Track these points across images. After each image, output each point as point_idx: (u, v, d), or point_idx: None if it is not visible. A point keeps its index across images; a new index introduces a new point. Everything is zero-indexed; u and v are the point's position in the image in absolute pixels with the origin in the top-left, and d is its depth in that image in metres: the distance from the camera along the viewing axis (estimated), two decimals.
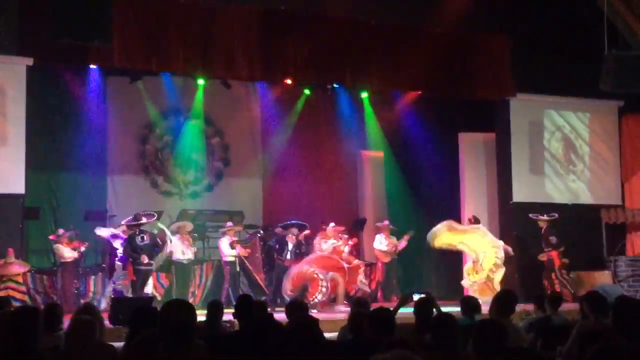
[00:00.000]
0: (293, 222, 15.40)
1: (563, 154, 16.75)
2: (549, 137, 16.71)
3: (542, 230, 15.54)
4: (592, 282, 15.33)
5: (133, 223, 13.64)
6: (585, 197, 16.86)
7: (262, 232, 16.16)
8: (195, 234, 15.54)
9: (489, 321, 5.38)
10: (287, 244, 15.01)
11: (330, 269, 14.59)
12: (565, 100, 16.73)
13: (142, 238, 13.58)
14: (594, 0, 15.32)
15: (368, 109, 17.51)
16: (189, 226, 15.22)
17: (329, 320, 10.30)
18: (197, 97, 16.68)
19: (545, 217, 15.56)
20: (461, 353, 5.13)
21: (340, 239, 15.47)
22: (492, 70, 15.83)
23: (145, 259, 13.43)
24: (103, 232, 14.36)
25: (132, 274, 13.36)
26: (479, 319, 7.02)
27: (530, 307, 9.73)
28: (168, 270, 14.87)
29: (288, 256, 14.97)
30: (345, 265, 14.86)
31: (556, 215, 15.70)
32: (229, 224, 15.39)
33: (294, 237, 15.06)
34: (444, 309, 7.07)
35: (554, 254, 15.34)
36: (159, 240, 14.05)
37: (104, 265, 14.74)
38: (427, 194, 17.62)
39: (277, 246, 15.08)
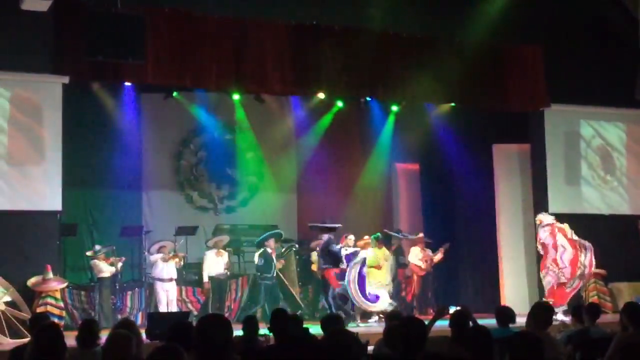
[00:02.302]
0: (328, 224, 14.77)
1: (599, 164, 16.59)
2: (585, 148, 16.56)
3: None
4: (631, 293, 15.18)
5: None
6: (623, 208, 16.68)
7: (297, 246, 16.19)
8: (230, 249, 15.60)
9: (525, 334, 5.33)
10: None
11: None
12: (600, 110, 16.57)
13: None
14: (628, 9, 15.21)
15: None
16: (225, 239, 15.31)
17: (364, 334, 10.24)
18: (237, 113, 16.84)
19: (410, 237, 15.33)
20: None
21: None
22: (525, 81, 15.76)
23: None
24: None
25: None
26: (514, 330, 6.99)
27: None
28: (204, 285, 14.95)
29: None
30: None
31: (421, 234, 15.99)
32: None
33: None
34: (480, 322, 7.02)
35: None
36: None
37: None
38: (462, 206, 17.54)
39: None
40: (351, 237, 14.42)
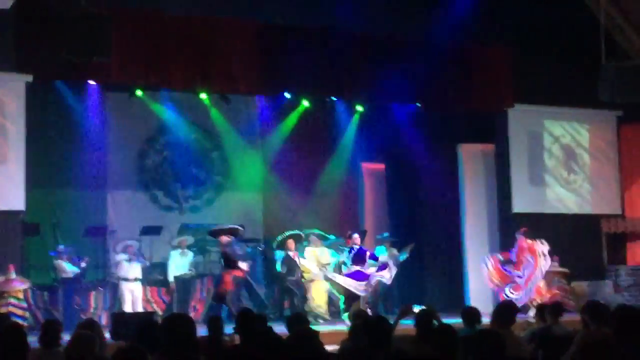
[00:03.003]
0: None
1: (563, 164, 16.76)
2: (549, 148, 16.72)
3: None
4: (593, 292, 15.35)
5: None
6: (585, 207, 16.86)
7: (263, 245, 16.16)
8: (195, 248, 15.54)
9: (487, 331, 5.38)
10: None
11: None
12: (563, 110, 16.75)
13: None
14: (592, 10, 15.37)
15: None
16: (189, 239, 15.26)
17: (330, 333, 10.26)
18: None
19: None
20: None
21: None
22: (490, 81, 15.87)
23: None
24: None
25: None
26: (479, 329, 7.03)
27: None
28: (169, 284, 14.89)
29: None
30: None
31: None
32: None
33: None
34: (445, 321, 7.06)
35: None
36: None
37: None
38: (428, 205, 17.60)
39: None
40: (356, 236, 14.39)
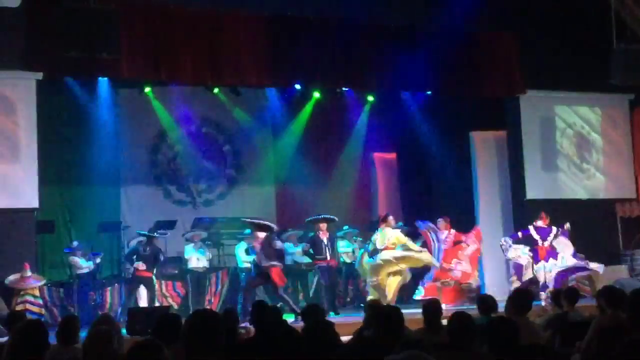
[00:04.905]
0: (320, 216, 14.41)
1: (575, 149, 16.68)
2: (561, 133, 16.64)
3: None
4: (609, 277, 15.28)
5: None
6: (600, 192, 16.78)
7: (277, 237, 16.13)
8: (210, 242, 15.56)
9: (500, 319, 5.37)
10: (321, 241, 13.96)
11: None
12: (575, 95, 16.66)
13: (145, 249, 13.82)
14: None
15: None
16: (203, 234, 15.27)
17: (345, 324, 10.26)
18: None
19: None
20: (478, 352, 5.12)
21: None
22: (501, 67, 15.81)
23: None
24: None
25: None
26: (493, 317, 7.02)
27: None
28: (184, 278, 14.91)
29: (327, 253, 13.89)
30: None
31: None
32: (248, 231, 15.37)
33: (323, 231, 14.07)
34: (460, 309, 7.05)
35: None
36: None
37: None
38: (441, 193, 17.58)
39: (312, 247, 14.01)
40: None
